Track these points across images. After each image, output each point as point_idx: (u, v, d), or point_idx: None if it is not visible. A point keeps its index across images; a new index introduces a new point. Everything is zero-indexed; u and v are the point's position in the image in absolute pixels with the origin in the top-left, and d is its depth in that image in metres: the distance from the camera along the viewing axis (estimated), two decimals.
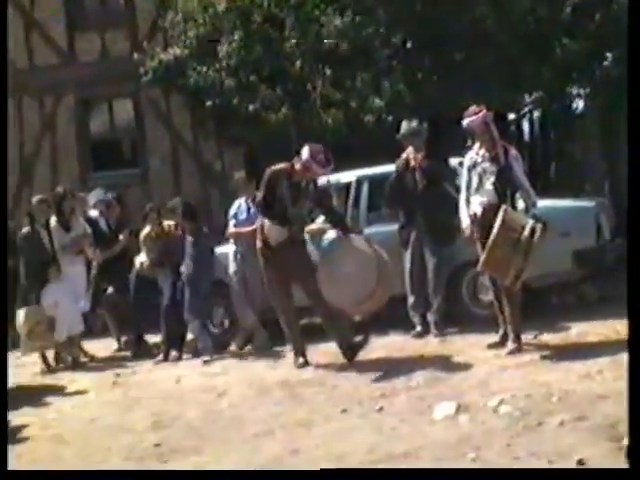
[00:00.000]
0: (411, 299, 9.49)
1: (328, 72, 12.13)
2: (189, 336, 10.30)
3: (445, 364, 8.07)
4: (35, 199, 10.89)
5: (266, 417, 7.19)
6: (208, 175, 15.14)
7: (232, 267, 10.21)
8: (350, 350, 8.54)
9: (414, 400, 7.11)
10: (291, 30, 12.24)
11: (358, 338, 8.70)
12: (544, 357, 7.79)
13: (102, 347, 11.18)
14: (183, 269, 10.14)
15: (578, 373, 7.04)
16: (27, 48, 15.64)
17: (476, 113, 8.27)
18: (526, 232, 7.71)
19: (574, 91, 14.25)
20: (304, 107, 12.27)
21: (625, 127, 5.65)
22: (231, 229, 10.32)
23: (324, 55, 12.21)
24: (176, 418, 7.58)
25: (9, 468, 6.24)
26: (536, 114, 18.45)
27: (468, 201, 8.38)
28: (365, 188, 10.17)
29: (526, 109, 17.30)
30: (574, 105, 16.62)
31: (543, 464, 5.19)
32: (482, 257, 7.93)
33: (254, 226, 9.80)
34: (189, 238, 10.20)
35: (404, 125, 9.55)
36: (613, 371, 6.88)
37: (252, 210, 10.10)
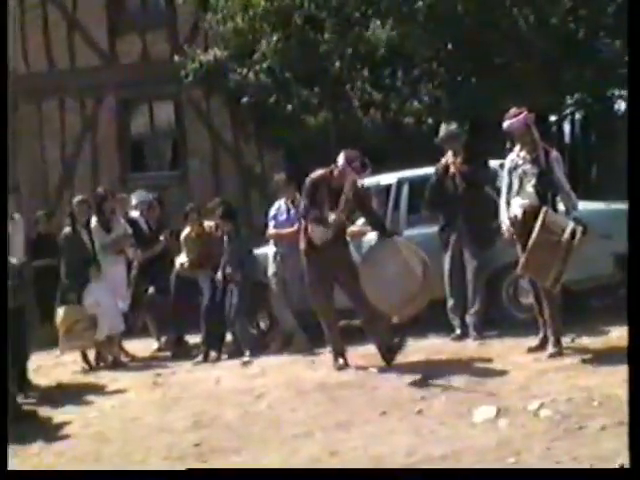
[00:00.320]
0: (450, 302, 9.46)
1: (367, 74, 12.12)
2: (228, 337, 10.36)
3: (484, 367, 8.05)
4: (76, 200, 10.95)
5: (305, 419, 7.21)
6: (248, 176, 15.18)
7: (272, 268, 10.23)
8: (389, 352, 8.53)
9: (453, 403, 7.09)
10: (331, 32, 12.24)
11: (396, 340, 8.70)
12: (584, 361, 7.74)
13: (142, 347, 11.21)
14: (228, 270, 10.17)
15: (619, 377, 6.97)
16: (69, 50, 15.75)
17: (517, 115, 8.24)
18: (566, 235, 7.67)
19: (616, 92, 14.15)
20: (343, 109, 12.27)
21: None
22: (271, 230, 10.35)
23: (363, 57, 12.21)
24: (215, 418, 7.61)
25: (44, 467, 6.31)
26: (577, 116, 18.35)
27: (508, 203, 8.35)
28: (405, 190, 10.15)
29: (567, 111, 17.19)
30: (616, 106, 16.52)
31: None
32: (522, 260, 7.90)
33: (294, 227, 9.87)
34: (227, 239, 10.25)
35: (443, 128, 9.52)
36: None
37: (292, 211, 10.13)
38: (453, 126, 9.50)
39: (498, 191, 8.72)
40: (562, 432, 5.97)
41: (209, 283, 10.42)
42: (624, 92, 13.65)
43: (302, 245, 8.73)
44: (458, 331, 9.39)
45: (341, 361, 8.67)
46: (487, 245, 9.21)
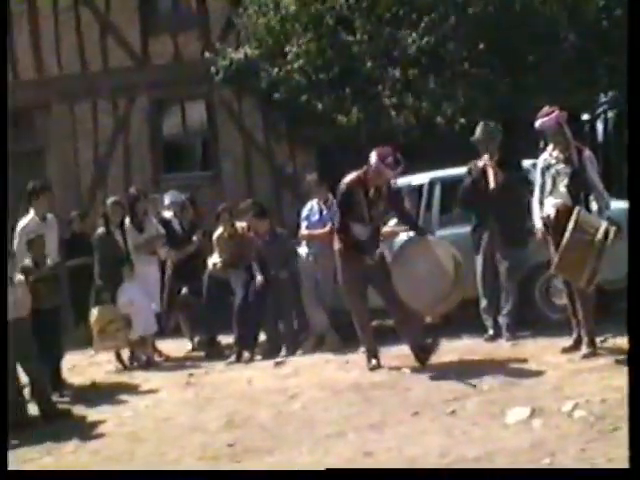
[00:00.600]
0: (483, 302, 9.43)
1: (398, 74, 12.11)
2: (261, 337, 10.40)
3: (517, 368, 8.03)
4: (109, 200, 11.02)
5: (338, 419, 7.21)
6: (280, 177, 15.18)
7: (304, 269, 10.24)
8: (422, 353, 8.52)
9: (486, 404, 7.08)
10: (362, 32, 12.24)
11: (428, 340, 8.69)
12: (618, 361, 7.69)
13: (175, 347, 11.26)
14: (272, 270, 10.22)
15: None
16: (101, 51, 15.82)
17: (549, 114, 8.21)
18: (600, 234, 7.63)
19: None
20: (375, 109, 12.26)
21: None
22: (303, 231, 10.36)
23: (395, 57, 12.19)
24: (249, 418, 7.64)
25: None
26: (610, 114, 18.22)
27: (541, 203, 8.32)
28: (438, 190, 10.14)
29: (600, 109, 17.08)
30: None
31: None
32: (555, 260, 7.87)
33: (326, 228, 9.88)
34: (268, 238, 10.29)
35: (480, 128, 9.46)
36: None
37: (324, 212, 10.15)
38: (489, 126, 9.45)
39: (530, 191, 8.69)
40: (596, 433, 5.94)
41: (241, 283, 10.45)
42: None
43: (337, 246, 8.73)
44: (491, 332, 9.36)
45: (374, 361, 8.66)
46: (520, 245, 9.18)
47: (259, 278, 10.21)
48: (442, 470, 5.71)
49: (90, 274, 11.01)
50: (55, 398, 9.16)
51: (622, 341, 8.36)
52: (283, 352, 10.07)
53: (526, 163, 9.44)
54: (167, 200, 11.72)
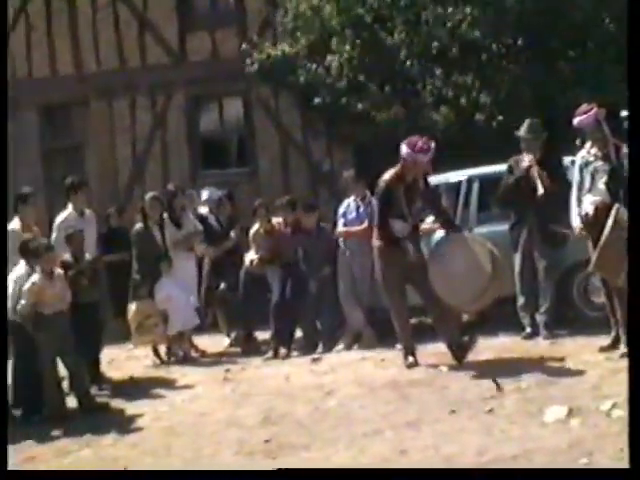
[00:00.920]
0: (521, 300, 9.39)
1: (438, 71, 12.08)
2: (298, 333, 10.42)
3: (555, 366, 8.00)
4: (148, 196, 11.06)
5: (375, 416, 7.21)
6: (317, 173, 15.19)
7: (340, 266, 10.23)
8: (460, 350, 8.49)
9: (524, 402, 7.06)
10: (401, 31, 12.22)
11: (465, 338, 8.67)
12: None
13: (212, 343, 11.28)
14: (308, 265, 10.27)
15: None
16: (139, 48, 15.90)
17: (587, 111, 8.17)
18: None
19: None
20: (414, 106, 12.23)
21: None
22: (340, 228, 10.35)
23: (434, 54, 12.17)
24: (285, 415, 7.65)
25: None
26: None
27: (580, 201, 8.27)
28: (476, 188, 10.11)
29: None
30: None
31: None
32: (593, 258, 7.83)
33: (363, 225, 9.88)
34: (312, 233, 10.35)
35: (525, 125, 9.36)
36: None
37: (361, 209, 10.14)
38: (536, 122, 9.37)
39: (569, 188, 8.64)
40: None
41: (278, 279, 10.47)
42: None
43: (376, 243, 8.72)
44: (529, 330, 9.32)
45: (411, 359, 8.63)
46: (559, 244, 9.13)
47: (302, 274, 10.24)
48: (478, 469, 5.70)
49: (127, 269, 11.08)
50: (93, 391, 9.24)
51: None
52: (320, 349, 10.08)
53: (565, 160, 9.37)
54: (204, 196, 11.78)
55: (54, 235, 9.98)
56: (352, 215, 10.26)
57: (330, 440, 6.82)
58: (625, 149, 8.18)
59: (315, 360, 9.66)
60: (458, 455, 6.05)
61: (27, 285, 8.61)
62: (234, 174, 15.49)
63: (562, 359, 8.18)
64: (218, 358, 10.71)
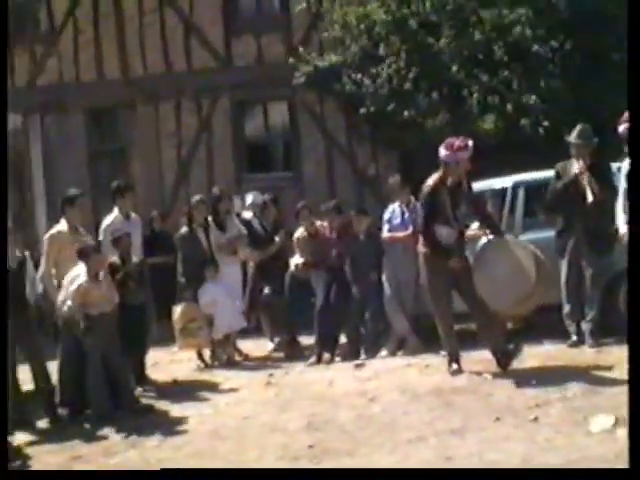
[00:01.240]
0: (567, 307, 9.31)
1: (484, 77, 12.04)
2: (342, 339, 10.41)
3: (601, 375, 7.92)
4: (194, 199, 11.13)
5: (419, 423, 7.19)
6: (362, 178, 15.18)
7: (385, 272, 10.21)
8: (504, 358, 8.44)
9: (569, 411, 7.02)
10: (447, 36, 12.19)
11: (510, 346, 8.62)
12: None
13: (255, 347, 11.32)
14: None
15: None
16: (185, 52, 16.00)
17: None
18: None
19: None
20: (460, 112, 12.20)
21: None
22: (385, 234, 10.33)
23: (480, 59, 12.13)
24: (329, 420, 7.66)
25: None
26: None
27: (626, 208, 8.20)
28: (521, 194, 10.06)
29: None
30: None
31: None
32: None
33: (408, 231, 9.85)
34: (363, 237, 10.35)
35: (576, 131, 9.27)
36: None
37: (406, 215, 10.12)
38: (588, 129, 9.30)
39: (616, 195, 8.58)
40: None
41: (323, 284, 10.47)
42: None
43: (422, 249, 8.70)
44: (574, 338, 9.24)
45: (455, 366, 8.59)
46: (606, 251, 9.04)
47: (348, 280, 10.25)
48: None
49: (171, 272, 11.15)
50: (138, 393, 9.31)
51: None
52: (363, 354, 10.07)
53: (612, 167, 9.30)
54: (248, 200, 11.82)
55: (101, 238, 10.07)
56: (397, 221, 10.24)
57: (374, 446, 6.82)
58: None
59: (359, 366, 9.64)
60: (503, 463, 6.02)
61: (74, 286, 8.71)
62: (279, 178, 15.52)
63: (608, 368, 8.09)
64: (262, 362, 10.74)
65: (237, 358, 10.91)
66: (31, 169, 16.74)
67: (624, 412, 6.62)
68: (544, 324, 9.62)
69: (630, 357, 4.69)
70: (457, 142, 8.43)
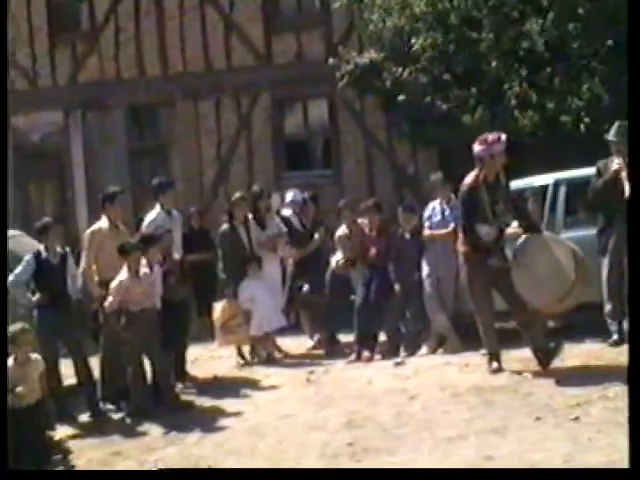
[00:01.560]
0: (608, 306, 9.23)
1: (524, 73, 11.96)
2: (382, 337, 10.40)
3: None
4: (235, 196, 11.14)
5: (459, 422, 7.18)
6: (401, 176, 15.15)
7: (425, 269, 10.19)
8: (545, 356, 8.39)
9: (611, 411, 6.96)
10: (488, 31, 12.11)
11: (551, 344, 8.57)
12: None
13: (295, 344, 11.32)
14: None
15: None
16: (225, 49, 16.04)
17: None
18: None
19: None
20: (499, 108, 12.12)
21: None
22: (426, 231, 10.29)
23: (521, 56, 12.05)
24: (368, 418, 7.65)
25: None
26: None
27: None
28: (562, 191, 9.99)
29: None
30: None
31: None
32: None
33: (449, 229, 9.82)
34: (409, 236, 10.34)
35: (615, 128, 9.17)
36: None
37: (447, 212, 10.08)
38: (625, 125, 9.22)
39: None
40: None
41: (362, 282, 10.46)
42: None
43: (462, 248, 8.67)
44: (616, 336, 9.15)
45: (495, 364, 8.55)
46: None
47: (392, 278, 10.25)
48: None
49: (211, 269, 11.19)
50: (178, 389, 9.36)
51: None
52: (403, 352, 10.05)
53: None
54: (288, 198, 11.83)
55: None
56: (437, 218, 10.20)
57: (414, 444, 6.83)
58: None
59: (398, 364, 9.62)
60: (543, 463, 5.99)
61: (114, 283, 8.78)
62: (318, 176, 15.51)
63: None
64: (301, 360, 10.74)
65: (277, 355, 10.91)
66: (72, 166, 16.88)
67: None
68: (585, 323, 9.53)
69: (630, 357, 4.64)
70: (490, 136, 8.44)
